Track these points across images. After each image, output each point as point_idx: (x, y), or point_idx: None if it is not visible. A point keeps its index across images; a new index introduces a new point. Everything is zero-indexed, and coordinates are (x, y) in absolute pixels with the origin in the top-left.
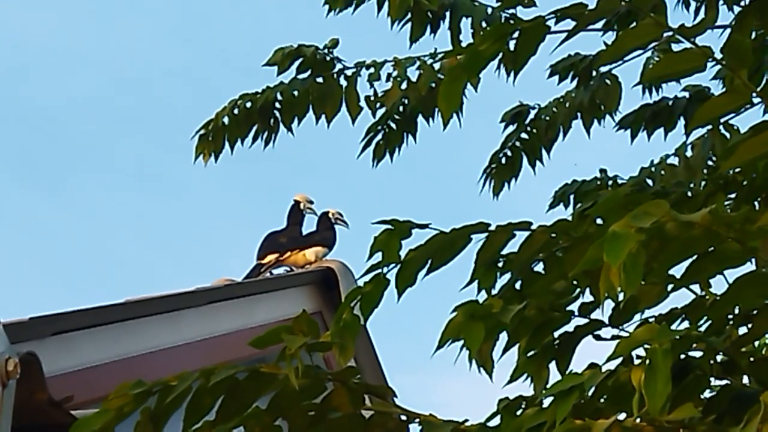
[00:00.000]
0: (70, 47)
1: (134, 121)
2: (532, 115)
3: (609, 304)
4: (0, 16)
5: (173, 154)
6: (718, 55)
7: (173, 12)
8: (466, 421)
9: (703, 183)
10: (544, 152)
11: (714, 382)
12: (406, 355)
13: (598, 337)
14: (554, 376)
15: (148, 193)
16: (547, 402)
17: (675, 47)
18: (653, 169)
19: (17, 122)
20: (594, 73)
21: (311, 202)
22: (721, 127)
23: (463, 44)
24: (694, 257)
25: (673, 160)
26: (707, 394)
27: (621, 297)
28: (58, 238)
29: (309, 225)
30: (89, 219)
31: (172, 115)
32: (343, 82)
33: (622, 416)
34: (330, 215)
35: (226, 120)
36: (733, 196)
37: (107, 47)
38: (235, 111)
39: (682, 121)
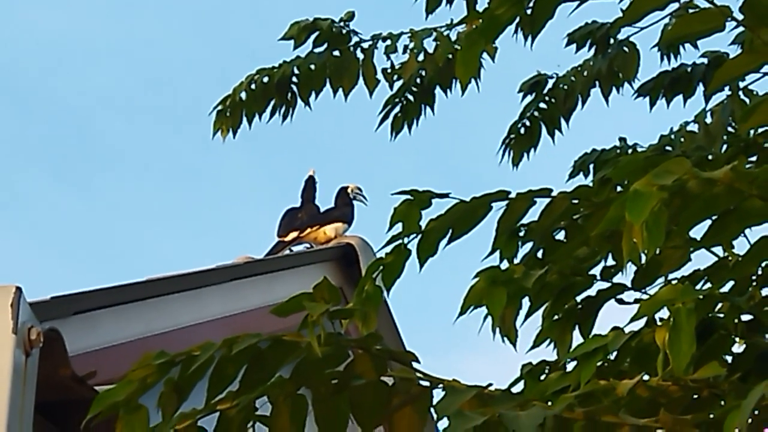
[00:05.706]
0: (94, 43)
1: (154, 112)
2: (550, 85)
3: (631, 268)
4: (31, 15)
5: (192, 144)
6: (738, 15)
7: (196, 7)
8: (490, 385)
9: (723, 149)
10: (563, 121)
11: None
12: (433, 339)
13: (620, 301)
14: (577, 341)
15: (170, 182)
16: (570, 366)
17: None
18: (673, 136)
19: (47, 119)
20: (612, 41)
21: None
22: (740, 92)
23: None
24: (716, 217)
25: (693, 127)
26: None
27: (643, 257)
28: (85, 229)
29: (323, 200)
30: (113, 209)
31: (190, 104)
32: (360, 55)
33: (646, 378)
34: (349, 191)
35: (243, 95)
36: (753, 159)
37: (132, 43)
38: (252, 86)
39: (701, 88)
